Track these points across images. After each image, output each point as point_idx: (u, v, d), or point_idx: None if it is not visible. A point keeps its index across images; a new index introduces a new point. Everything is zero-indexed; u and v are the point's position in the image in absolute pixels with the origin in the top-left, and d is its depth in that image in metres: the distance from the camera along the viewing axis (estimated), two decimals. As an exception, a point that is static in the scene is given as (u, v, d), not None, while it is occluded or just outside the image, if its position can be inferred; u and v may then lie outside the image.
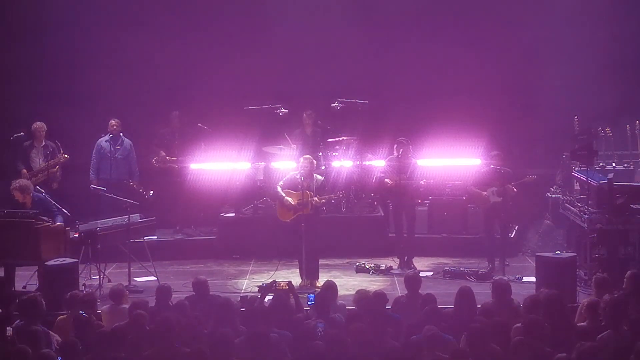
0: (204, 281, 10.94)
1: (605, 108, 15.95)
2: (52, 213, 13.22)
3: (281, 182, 13.76)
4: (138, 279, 13.77)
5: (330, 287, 10.65)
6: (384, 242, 15.49)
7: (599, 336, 8.81)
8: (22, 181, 13.72)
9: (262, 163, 15.96)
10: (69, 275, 12.33)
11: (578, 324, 9.55)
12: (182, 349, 8.60)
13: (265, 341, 8.46)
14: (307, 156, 13.82)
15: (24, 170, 15.09)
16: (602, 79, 16.42)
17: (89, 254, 13.46)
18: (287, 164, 15.43)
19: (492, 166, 14.37)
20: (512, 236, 15.05)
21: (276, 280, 11.01)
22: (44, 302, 9.91)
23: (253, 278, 14.13)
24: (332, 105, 16.15)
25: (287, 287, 10.62)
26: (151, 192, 14.75)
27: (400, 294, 11.74)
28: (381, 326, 8.96)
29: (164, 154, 15.95)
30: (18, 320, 9.76)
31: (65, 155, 15.26)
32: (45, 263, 12.45)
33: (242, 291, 13.00)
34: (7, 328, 9.50)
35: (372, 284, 13.54)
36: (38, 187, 13.80)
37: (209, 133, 16.14)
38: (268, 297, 10.60)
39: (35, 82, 16.76)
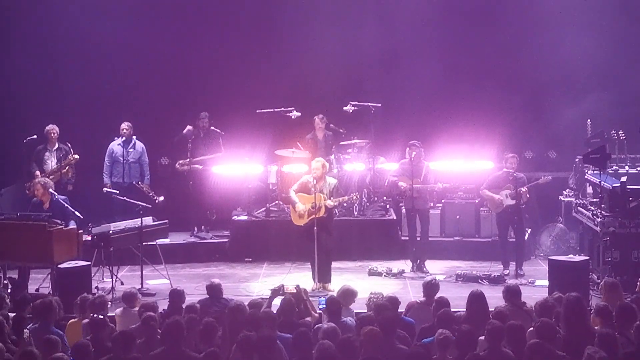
0: (217, 284, 10.94)
1: (618, 111, 15.90)
2: (67, 217, 13.27)
3: (294, 187, 13.74)
4: (151, 282, 13.80)
5: (348, 293, 10.62)
6: (396, 245, 15.50)
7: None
8: (46, 178, 14.01)
9: (275, 166, 15.98)
10: (81, 278, 12.39)
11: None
12: (191, 353, 8.62)
13: (272, 345, 8.48)
14: (319, 159, 13.80)
15: (37, 172, 15.18)
16: (615, 82, 16.39)
17: (101, 256, 13.49)
18: (299, 167, 15.45)
19: (505, 170, 14.36)
20: (525, 239, 15.00)
21: (284, 284, 10.98)
22: (58, 306, 9.93)
23: (265, 281, 14.12)
24: (345, 108, 16.15)
25: (295, 291, 10.59)
26: (161, 197, 14.78)
27: (412, 297, 11.73)
28: (393, 330, 8.94)
29: (181, 161, 15.99)
30: (32, 324, 9.79)
31: (76, 156, 15.34)
32: (58, 266, 12.50)
33: (255, 294, 12.99)
34: (25, 330, 9.54)
35: (384, 287, 13.44)
36: (51, 191, 13.84)
37: (222, 136, 16.18)
38: (276, 301, 10.57)
39: (48, 85, 16.82)
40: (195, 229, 16.17)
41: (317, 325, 9.61)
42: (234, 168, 16.01)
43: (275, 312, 9.85)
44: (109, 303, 10.79)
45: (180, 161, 16.09)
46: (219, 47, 17.13)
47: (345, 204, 15.04)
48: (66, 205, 13.46)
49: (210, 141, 16.16)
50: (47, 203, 13.47)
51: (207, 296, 10.88)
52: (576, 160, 15.61)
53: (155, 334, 9.11)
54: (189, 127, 16.05)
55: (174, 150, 16.31)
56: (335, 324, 9.28)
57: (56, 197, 13.58)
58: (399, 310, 10.30)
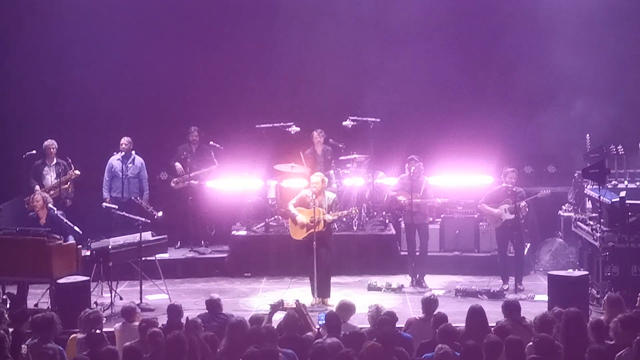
0: (216, 299, 10.94)
1: (617, 126, 15.92)
2: (65, 232, 13.25)
3: (293, 201, 13.75)
4: (150, 297, 13.77)
5: (346, 307, 10.63)
6: (396, 260, 15.48)
7: (617, 354, 8.76)
8: (45, 193, 14.03)
9: (274, 181, 15.98)
10: (80, 293, 12.35)
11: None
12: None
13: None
14: (319, 174, 13.82)
15: (37, 187, 15.17)
16: (615, 97, 16.41)
17: (100, 271, 13.47)
18: (298, 182, 15.46)
19: (504, 184, 14.37)
20: (524, 254, 14.99)
21: (284, 300, 10.98)
22: (58, 321, 9.91)
23: (265, 296, 14.10)
24: (344, 123, 16.17)
25: (295, 306, 10.59)
26: (160, 212, 14.76)
27: (412, 312, 11.72)
28: (390, 345, 8.93)
29: (180, 166, 16.00)
30: (31, 339, 9.76)
31: (77, 172, 15.34)
32: (57, 281, 12.47)
33: (254, 309, 12.98)
34: (22, 346, 9.51)
35: (384, 302, 13.36)
36: (50, 206, 13.83)
37: (221, 151, 16.19)
38: (276, 316, 10.57)
39: (47, 100, 16.84)
40: (179, 242, 16.15)
41: (317, 341, 9.61)
42: (233, 183, 16.02)
43: (275, 327, 9.84)
44: (104, 318, 10.74)
45: (175, 179, 16.13)
46: (218, 62, 17.15)
47: (344, 219, 15.04)
48: (64, 220, 13.46)
49: (202, 155, 16.18)
50: (43, 218, 13.46)
51: (207, 311, 10.87)
52: (575, 175, 15.61)
53: (161, 350, 9.09)
54: (192, 137, 16.15)
55: (170, 168, 16.32)
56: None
57: (55, 212, 13.58)
58: (399, 325, 10.32)
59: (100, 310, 11.38)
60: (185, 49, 17.18)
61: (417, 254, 14.70)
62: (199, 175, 16.05)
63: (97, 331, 9.62)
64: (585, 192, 14.85)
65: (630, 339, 8.85)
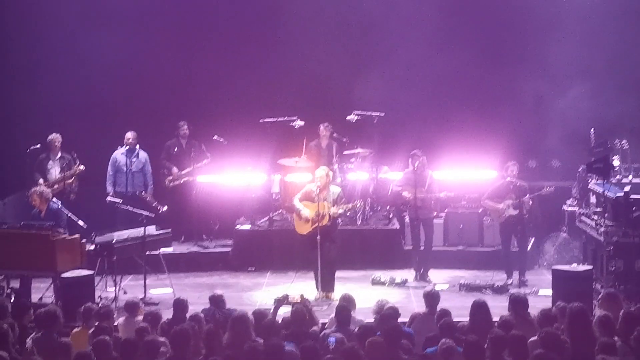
0: (219, 295, 10.95)
1: (621, 120, 15.89)
2: (64, 226, 13.21)
3: (298, 195, 13.74)
4: (154, 291, 13.79)
5: (350, 300, 10.64)
6: (400, 254, 15.48)
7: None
8: (44, 188, 13.91)
9: (278, 175, 15.98)
10: (84, 287, 12.35)
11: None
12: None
13: (280, 353, 8.48)
14: (323, 168, 13.80)
15: (41, 180, 15.17)
16: (619, 91, 16.37)
17: (105, 266, 13.48)
18: (302, 176, 15.45)
19: (507, 179, 14.35)
20: (528, 249, 14.98)
21: (288, 294, 10.98)
22: (61, 315, 9.93)
23: (268, 290, 14.11)
24: (348, 117, 16.14)
25: (300, 300, 10.60)
26: (165, 207, 14.74)
27: (416, 307, 11.73)
28: (395, 340, 8.94)
29: (176, 170, 16.03)
30: (35, 333, 9.77)
31: (81, 167, 15.33)
32: (62, 275, 12.48)
33: (258, 304, 12.99)
34: (27, 340, 9.52)
35: (388, 296, 13.33)
36: (54, 199, 13.84)
37: (225, 145, 16.18)
38: (281, 310, 10.58)
39: (51, 95, 16.82)
40: (183, 237, 16.16)
41: (324, 332, 9.65)
42: (237, 177, 16.01)
43: (280, 321, 9.86)
44: (115, 312, 10.77)
45: (169, 177, 16.12)
46: (223, 56, 17.13)
47: (348, 213, 15.03)
48: (65, 213, 13.42)
49: (193, 150, 16.14)
50: (44, 212, 13.43)
51: (210, 307, 10.89)
52: (579, 169, 15.59)
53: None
54: (181, 132, 16.22)
55: (165, 164, 16.31)
56: (344, 333, 9.32)
57: (58, 206, 13.54)
58: (403, 320, 10.32)
59: (111, 305, 11.39)
60: (190, 43, 17.18)
61: (422, 248, 14.70)
62: (193, 171, 16.03)
63: (105, 325, 9.65)
64: (589, 186, 14.83)
65: (628, 335, 8.87)
